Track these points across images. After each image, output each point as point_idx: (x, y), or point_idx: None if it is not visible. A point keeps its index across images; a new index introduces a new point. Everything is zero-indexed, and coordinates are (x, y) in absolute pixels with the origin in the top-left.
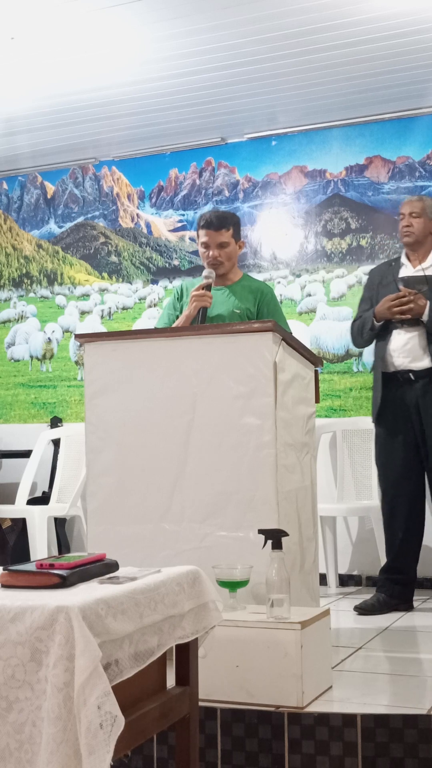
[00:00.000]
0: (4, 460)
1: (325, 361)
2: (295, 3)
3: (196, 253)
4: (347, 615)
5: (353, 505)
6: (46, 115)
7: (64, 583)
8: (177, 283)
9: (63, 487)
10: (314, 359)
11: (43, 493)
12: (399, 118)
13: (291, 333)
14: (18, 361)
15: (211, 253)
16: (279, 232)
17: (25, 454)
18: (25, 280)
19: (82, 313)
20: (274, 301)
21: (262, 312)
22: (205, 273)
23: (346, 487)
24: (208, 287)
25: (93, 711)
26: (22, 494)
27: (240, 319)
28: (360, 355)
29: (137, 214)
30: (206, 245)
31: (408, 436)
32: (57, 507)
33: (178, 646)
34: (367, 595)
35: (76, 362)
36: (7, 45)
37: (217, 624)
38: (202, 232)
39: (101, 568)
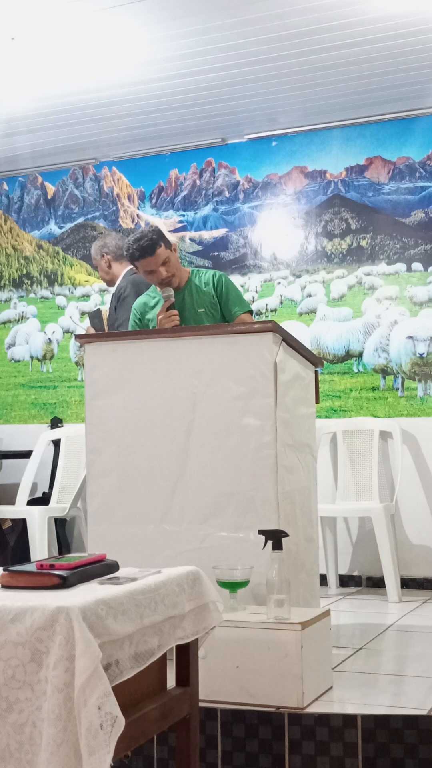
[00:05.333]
0: (5, 461)
1: (325, 362)
2: (295, 4)
3: (196, 253)
4: (348, 616)
5: (353, 506)
6: (47, 115)
7: (64, 583)
8: None
9: (63, 488)
10: (314, 360)
11: (44, 493)
12: (399, 119)
13: (252, 310)
14: (18, 361)
15: (159, 275)
16: (279, 233)
17: (26, 454)
18: (26, 281)
19: (83, 313)
20: (227, 284)
21: (222, 298)
22: (163, 294)
23: (346, 488)
24: (172, 307)
25: (93, 711)
26: (23, 495)
27: (206, 316)
28: (360, 355)
29: (137, 215)
30: (151, 272)
31: None
32: (57, 507)
33: (178, 647)
34: (367, 596)
35: (77, 363)
36: (8, 45)
37: (218, 624)
38: (140, 263)
39: (101, 568)
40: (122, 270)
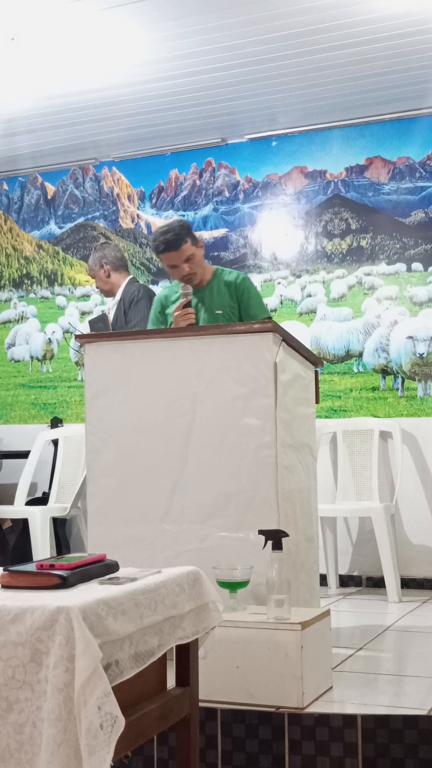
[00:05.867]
0: (5, 461)
1: (325, 362)
2: (295, 4)
3: None
4: (348, 616)
5: (353, 506)
6: (47, 115)
7: (64, 583)
8: None
9: (62, 488)
10: (314, 360)
11: (44, 493)
12: (399, 119)
13: (271, 317)
14: (18, 361)
15: (180, 271)
16: (279, 233)
17: (26, 454)
18: (26, 281)
19: (83, 313)
20: (248, 288)
21: (243, 302)
22: (181, 291)
23: (346, 488)
24: (189, 304)
25: (93, 712)
26: (21, 495)
27: (223, 318)
28: (360, 355)
29: (137, 215)
30: (174, 266)
31: None
32: (58, 507)
33: (178, 647)
34: (367, 596)
35: (77, 363)
36: (8, 45)
37: (218, 625)
38: (164, 257)
39: (101, 568)
40: (122, 280)
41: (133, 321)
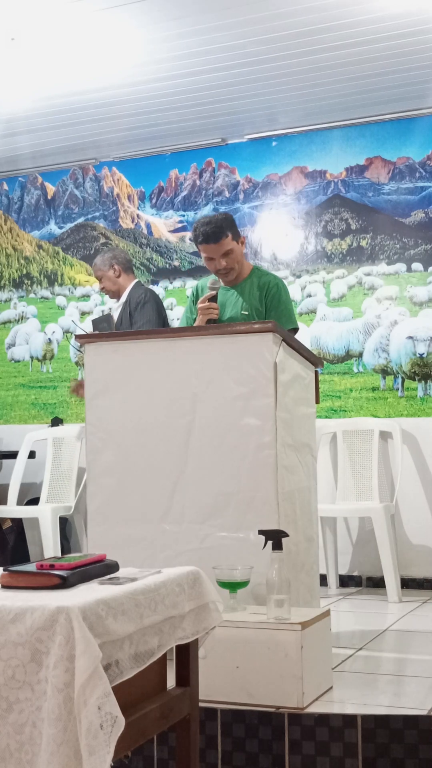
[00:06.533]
0: (4, 461)
1: (325, 362)
2: (295, 4)
3: (196, 253)
4: (348, 616)
5: (353, 506)
6: (47, 115)
7: (64, 583)
8: (177, 284)
9: (52, 488)
10: (314, 360)
11: None
12: (399, 119)
13: (297, 328)
14: (18, 361)
15: (217, 264)
16: (279, 233)
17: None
18: (26, 281)
19: (83, 313)
20: (278, 295)
21: (270, 307)
22: (209, 284)
23: (346, 488)
24: (213, 299)
25: (93, 712)
26: (13, 495)
27: (248, 320)
28: (360, 356)
29: (137, 215)
30: (210, 258)
31: None
32: (63, 506)
33: (178, 647)
34: (367, 596)
35: (77, 363)
36: (8, 45)
37: (218, 625)
38: (202, 248)
39: (101, 568)
40: (129, 282)
41: (138, 323)
